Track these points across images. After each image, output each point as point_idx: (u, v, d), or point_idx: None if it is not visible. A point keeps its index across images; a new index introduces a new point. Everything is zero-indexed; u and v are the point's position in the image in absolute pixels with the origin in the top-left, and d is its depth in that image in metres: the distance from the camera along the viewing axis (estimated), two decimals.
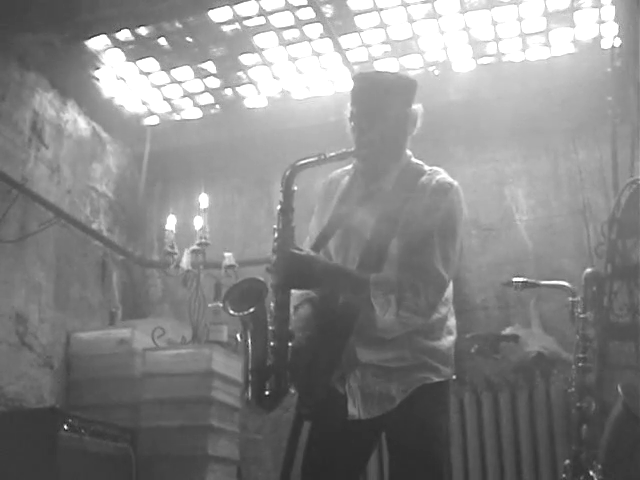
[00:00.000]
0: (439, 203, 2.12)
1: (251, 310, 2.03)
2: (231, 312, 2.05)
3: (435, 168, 2.24)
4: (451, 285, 2.17)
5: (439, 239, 2.08)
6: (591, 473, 2.90)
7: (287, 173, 2.07)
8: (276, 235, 2.07)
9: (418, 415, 2.08)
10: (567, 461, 2.98)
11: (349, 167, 2.34)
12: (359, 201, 2.21)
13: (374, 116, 2.14)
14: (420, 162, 2.26)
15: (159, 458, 3.90)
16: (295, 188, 2.07)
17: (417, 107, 2.21)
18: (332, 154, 2.08)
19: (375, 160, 2.18)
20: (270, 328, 2.05)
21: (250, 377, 2.04)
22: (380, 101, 2.15)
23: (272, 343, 2.04)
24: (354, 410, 2.09)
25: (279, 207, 2.08)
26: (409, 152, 2.26)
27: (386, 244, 2.09)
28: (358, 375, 2.11)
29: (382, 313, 2.01)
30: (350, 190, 2.26)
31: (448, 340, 2.18)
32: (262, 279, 2.09)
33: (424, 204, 2.12)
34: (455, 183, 2.18)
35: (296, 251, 2.05)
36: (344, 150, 2.13)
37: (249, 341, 2.06)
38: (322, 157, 2.06)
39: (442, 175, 2.20)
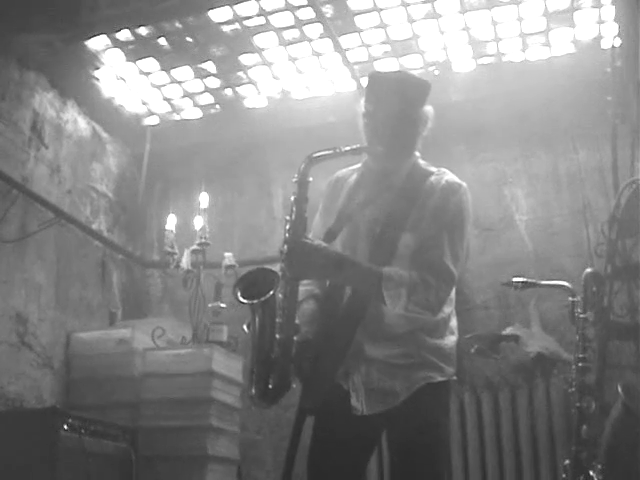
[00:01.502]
0: (448, 202, 2.17)
1: (265, 297, 2.03)
2: (242, 300, 2.06)
3: (442, 169, 2.29)
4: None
5: (448, 237, 2.12)
6: (591, 473, 2.89)
7: (303, 164, 2.10)
8: (288, 226, 2.08)
9: (421, 414, 2.09)
10: (567, 461, 2.98)
11: (355, 166, 2.37)
12: (369, 198, 2.24)
13: (390, 115, 2.17)
14: (426, 162, 2.30)
15: (159, 458, 3.90)
16: (310, 179, 2.10)
17: (429, 108, 2.26)
18: (347, 148, 2.12)
19: (388, 158, 2.21)
20: (277, 320, 2.05)
21: (255, 369, 2.05)
22: (397, 101, 2.18)
23: (278, 336, 2.05)
24: (357, 405, 2.10)
25: (293, 197, 2.10)
26: (417, 153, 2.29)
27: (395, 240, 2.13)
28: (362, 371, 2.12)
29: (392, 306, 2.03)
30: (359, 187, 2.29)
31: (451, 340, 2.20)
32: (274, 269, 2.10)
33: (434, 203, 2.16)
34: (464, 184, 2.24)
35: (309, 241, 2.06)
36: (359, 145, 2.17)
37: (257, 332, 2.06)
38: (337, 150, 2.11)
39: (450, 175, 2.26)
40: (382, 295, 2.03)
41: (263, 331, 2.06)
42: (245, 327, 2.12)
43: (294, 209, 2.09)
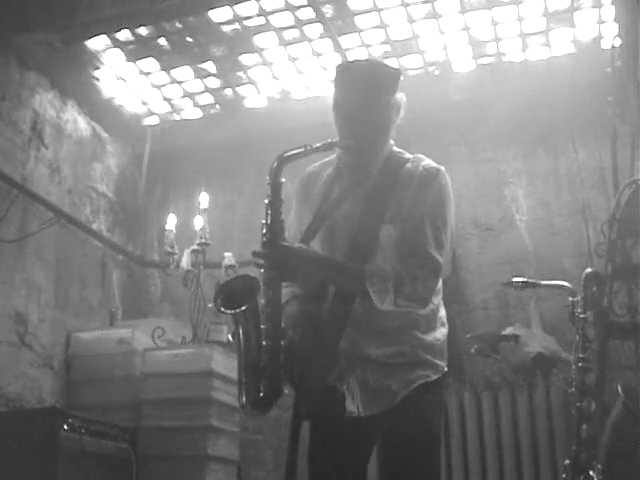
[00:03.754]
0: (428, 189, 2.12)
1: (244, 307, 1.99)
2: (223, 310, 2.02)
3: (419, 155, 2.22)
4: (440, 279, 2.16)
5: (430, 224, 2.07)
6: (591, 473, 2.89)
7: (274, 165, 2.04)
8: (264, 230, 2.03)
9: (418, 413, 2.07)
10: (567, 461, 2.97)
11: (326, 160, 2.32)
12: (345, 192, 2.19)
13: (359, 106, 2.12)
14: (401, 150, 2.25)
15: (159, 458, 3.90)
16: (283, 180, 2.05)
17: (400, 96, 2.19)
18: (318, 145, 2.06)
19: (360, 150, 2.15)
20: (262, 326, 2.02)
21: (244, 379, 2.02)
22: (365, 91, 2.12)
23: (264, 342, 2.01)
24: (353, 407, 2.08)
25: (267, 200, 2.05)
26: (391, 141, 2.24)
27: (375, 233, 2.08)
28: (357, 371, 2.09)
29: (380, 303, 1.99)
30: (334, 182, 2.24)
31: (442, 333, 2.17)
32: (254, 275, 2.06)
33: (413, 190, 2.11)
34: (442, 168, 2.18)
35: (288, 244, 2.03)
36: (330, 141, 2.11)
37: (242, 340, 2.03)
38: (308, 148, 2.04)
39: (427, 161, 2.20)
40: (368, 292, 1.99)
41: (249, 339, 2.01)
42: (230, 337, 2.08)
43: (269, 212, 2.03)
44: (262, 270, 2.02)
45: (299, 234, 2.18)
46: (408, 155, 2.22)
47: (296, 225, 2.26)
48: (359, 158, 2.19)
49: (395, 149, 2.25)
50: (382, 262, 2.04)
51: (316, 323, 2.10)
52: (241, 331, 2.02)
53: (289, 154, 2.04)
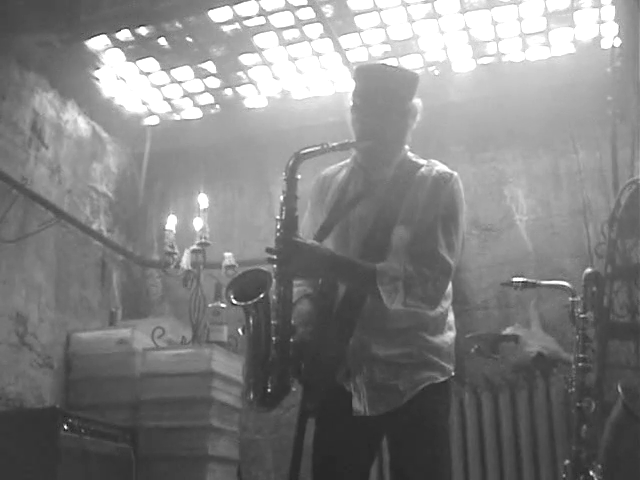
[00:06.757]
0: (440, 192, 2.14)
1: (259, 297, 1.99)
2: (234, 302, 2.03)
3: (433, 160, 2.26)
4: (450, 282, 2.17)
5: (442, 227, 2.10)
6: (591, 473, 2.89)
7: (291, 162, 2.07)
8: (278, 226, 2.04)
9: (425, 415, 2.08)
10: (567, 461, 2.97)
11: (342, 163, 2.35)
12: (359, 193, 2.22)
13: (377, 109, 2.15)
14: (416, 155, 2.28)
15: (159, 458, 3.90)
16: (299, 176, 2.07)
17: (417, 101, 2.22)
18: (335, 144, 2.09)
19: (376, 152, 2.19)
20: (272, 322, 2.03)
21: (252, 374, 2.03)
22: (383, 94, 2.15)
23: (274, 338, 2.02)
24: (359, 406, 2.08)
25: (282, 196, 2.07)
26: (407, 146, 2.27)
27: (387, 234, 2.10)
28: (365, 371, 2.10)
29: (389, 302, 2.00)
30: (349, 183, 2.27)
31: (450, 336, 2.19)
32: (266, 269, 2.07)
33: (426, 193, 2.14)
34: (455, 173, 2.21)
35: (301, 240, 2.04)
36: (347, 141, 2.14)
37: (252, 334, 2.03)
38: (325, 147, 2.07)
39: (441, 166, 2.23)
40: (378, 291, 2.00)
41: (258, 334, 2.02)
42: (240, 331, 2.09)
43: (284, 208, 2.05)
44: (274, 266, 2.03)
45: (312, 235, 2.20)
46: (422, 160, 2.25)
47: (310, 225, 2.29)
48: (375, 160, 2.22)
49: (410, 154, 2.28)
50: (394, 262, 2.05)
51: (326, 321, 2.11)
52: (252, 325, 2.03)
53: (306, 151, 2.07)
